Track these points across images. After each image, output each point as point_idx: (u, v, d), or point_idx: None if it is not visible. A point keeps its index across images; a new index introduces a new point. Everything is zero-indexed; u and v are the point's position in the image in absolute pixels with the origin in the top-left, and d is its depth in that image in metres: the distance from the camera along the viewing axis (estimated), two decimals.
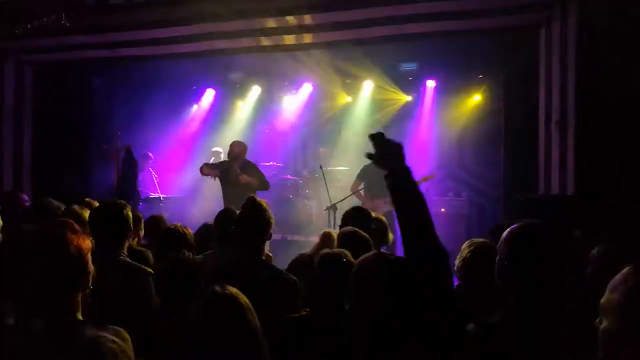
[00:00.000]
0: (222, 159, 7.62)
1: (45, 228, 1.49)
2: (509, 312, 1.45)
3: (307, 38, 5.86)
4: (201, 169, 6.24)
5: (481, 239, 2.52)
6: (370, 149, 1.71)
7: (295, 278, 2.67)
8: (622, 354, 1.10)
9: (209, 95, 9.18)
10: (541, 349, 1.33)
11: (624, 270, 1.15)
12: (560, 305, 1.38)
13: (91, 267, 1.46)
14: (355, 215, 3.43)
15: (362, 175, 6.66)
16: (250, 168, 6.12)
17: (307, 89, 8.81)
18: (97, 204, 3.35)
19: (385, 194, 6.40)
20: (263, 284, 2.44)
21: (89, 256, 1.46)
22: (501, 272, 1.50)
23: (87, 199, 3.77)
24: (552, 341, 1.33)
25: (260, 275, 2.55)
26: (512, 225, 1.56)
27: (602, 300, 1.16)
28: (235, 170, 5.95)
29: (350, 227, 3.02)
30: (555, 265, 1.44)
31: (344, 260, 2.21)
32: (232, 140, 6.36)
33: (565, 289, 1.37)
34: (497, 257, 1.53)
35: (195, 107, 9.28)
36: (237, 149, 6.11)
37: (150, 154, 8.02)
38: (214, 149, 8.40)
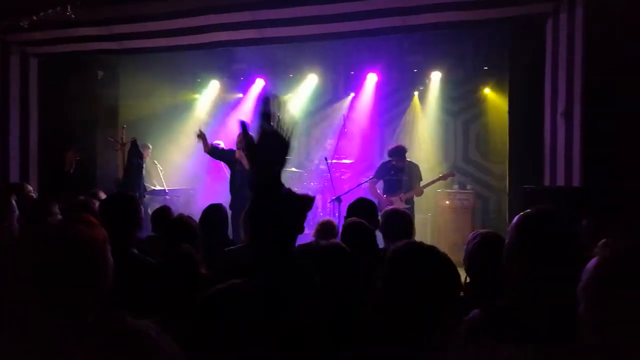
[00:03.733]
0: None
1: (61, 224, 1.48)
2: (515, 297, 1.45)
3: (312, 29, 5.84)
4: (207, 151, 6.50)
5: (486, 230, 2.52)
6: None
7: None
8: (588, 337, 1.12)
9: (214, 86, 9.18)
10: (546, 334, 1.33)
11: (596, 257, 1.16)
12: (566, 291, 1.38)
13: (110, 259, 1.44)
14: (360, 207, 3.41)
15: (380, 174, 6.80)
16: None
17: (311, 80, 8.79)
18: (103, 196, 3.38)
19: (400, 191, 6.54)
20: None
21: (107, 247, 1.44)
22: (509, 257, 1.50)
23: (92, 191, 3.79)
24: (557, 326, 1.33)
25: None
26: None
27: (578, 286, 1.18)
28: (240, 154, 6.13)
29: (354, 218, 3.01)
30: (563, 251, 1.44)
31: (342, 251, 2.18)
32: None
33: (572, 275, 1.37)
34: (506, 242, 1.53)
35: (197, 97, 9.27)
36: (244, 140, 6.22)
37: (149, 144, 8.02)
38: (215, 142, 8.41)
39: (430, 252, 1.44)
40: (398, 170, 6.68)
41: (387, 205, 6.45)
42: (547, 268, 1.45)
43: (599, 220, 2.44)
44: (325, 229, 3.70)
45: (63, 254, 1.33)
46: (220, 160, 6.77)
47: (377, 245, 3.03)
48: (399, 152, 6.70)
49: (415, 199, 6.79)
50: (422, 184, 6.80)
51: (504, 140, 6.26)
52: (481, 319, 1.43)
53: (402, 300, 1.37)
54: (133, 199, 2.75)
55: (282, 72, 8.70)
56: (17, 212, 2.76)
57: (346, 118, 8.23)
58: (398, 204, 6.49)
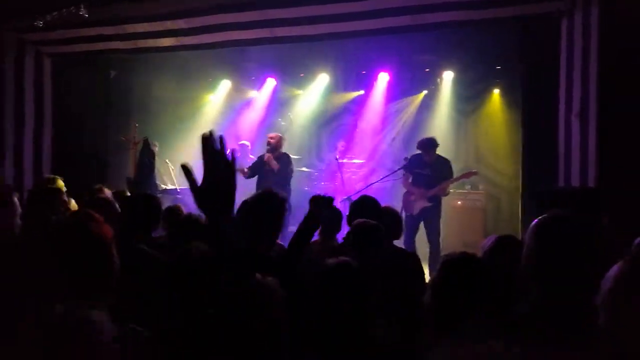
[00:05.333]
0: (247, 152, 8.00)
1: (68, 218, 1.50)
2: (535, 303, 1.43)
3: (322, 28, 5.82)
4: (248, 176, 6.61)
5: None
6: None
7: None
8: (608, 346, 1.08)
9: (225, 86, 9.20)
10: (568, 340, 1.30)
11: (615, 267, 1.13)
12: (587, 297, 1.35)
13: (116, 256, 1.46)
14: (363, 205, 3.34)
15: (408, 166, 6.40)
16: (283, 159, 6.51)
17: (322, 80, 8.78)
18: (107, 192, 3.42)
19: (427, 186, 6.19)
20: None
21: (113, 245, 1.46)
22: (528, 263, 1.47)
23: (97, 186, 3.80)
24: (579, 332, 1.31)
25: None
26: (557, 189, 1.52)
27: (598, 297, 1.14)
28: (269, 156, 6.37)
29: (361, 220, 2.97)
30: (582, 255, 1.41)
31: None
32: (270, 132, 6.84)
33: (592, 279, 1.34)
34: (524, 247, 1.51)
35: (209, 96, 9.31)
36: (273, 141, 6.54)
37: (155, 142, 8.05)
38: (241, 142, 8.42)
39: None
40: (424, 165, 6.25)
41: (406, 201, 6.31)
42: (567, 273, 1.42)
43: (619, 220, 2.40)
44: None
45: (76, 245, 1.35)
46: (258, 174, 6.64)
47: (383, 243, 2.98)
48: (426, 145, 6.24)
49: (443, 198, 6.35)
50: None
51: (516, 141, 6.20)
52: (496, 325, 1.40)
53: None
54: (155, 199, 2.83)
55: (293, 71, 8.70)
56: (19, 209, 2.79)
57: (357, 117, 8.21)
58: (419, 201, 6.25)
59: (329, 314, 1.98)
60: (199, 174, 1.30)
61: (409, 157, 6.50)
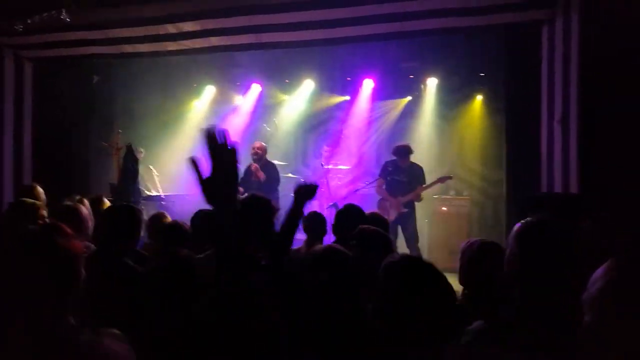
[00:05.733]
0: None
1: (34, 231, 1.47)
2: (518, 308, 1.43)
3: (308, 35, 5.83)
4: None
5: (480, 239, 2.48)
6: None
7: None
8: (598, 349, 1.09)
9: (210, 91, 9.16)
10: (551, 344, 1.31)
11: (606, 264, 1.13)
12: (569, 300, 1.36)
13: (81, 272, 1.43)
14: (349, 214, 3.35)
15: (382, 173, 6.60)
16: (268, 168, 6.53)
17: (307, 86, 8.79)
18: (85, 201, 3.36)
19: (402, 192, 6.37)
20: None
21: (80, 259, 1.43)
22: (510, 267, 1.48)
23: (77, 196, 3.74)
24: (562, 336, 1.31)
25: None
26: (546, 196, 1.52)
27: (584, 295, 1.15)
28: (256, 167, 6.40)
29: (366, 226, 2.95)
30: (565, 259, 1.42)
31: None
32: (255, 142, 6.81)
33: (574, 283, 1.34)
34: (507, 252, 1.51)
35: (193, 102, 9.26)
36: (260, 151, 6.58)
37: (141, 149, 7.99)
38: None
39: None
40: (399, 171, 6.43)
41: (382, 207, 6.39)
42: (549, 277, 1.43)
43: (601, 222, 2.42)
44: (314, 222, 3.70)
45: (39, 263, 1.33)
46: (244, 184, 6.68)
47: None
48: (401, 151, 6.43)
49: (417, 203, 6.54)
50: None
51: (500, 147, 6.26)
52: (485, 330, 1.40)
53: None
54: (136, 211, 2.76)
55: (278, 77, 8.69)
56: None
57: (342, 123, 8.23)
58: (395, 206, 6.40)
59: (322, 305, 1.96)
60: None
61: (384, 163, 6.63)
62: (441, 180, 6.71)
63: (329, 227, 3.65)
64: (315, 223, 3.71)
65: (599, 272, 1.11)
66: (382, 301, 1.37)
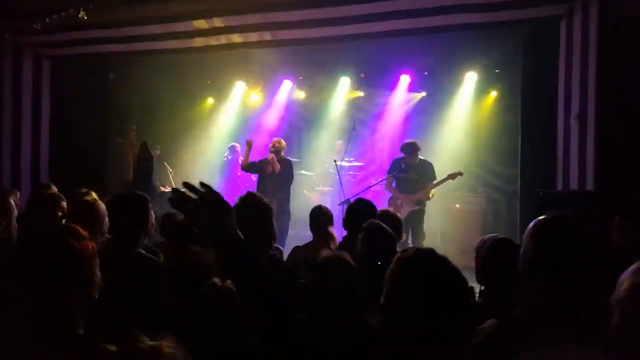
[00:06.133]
0: (237, 154, 8.03)
1: (47, 233, 1.47)
2: (531, 306, 1.41)
3: (326, 31, 5.84)
4: (244, 168, 6.78)
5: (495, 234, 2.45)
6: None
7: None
8: (626, 349, 1.07)
9: (235, 89, 9.11)
10: (564, 345, 1.29)
11: (633, 266, 1.11)
12: (585, 299, 1.34)
13: (97, 274, 1.42)
14: (358, 211, 3.32)
15: (391, 170, 6.50)
16: (284, 164, 6.55)
17: (342, 83, 8.66)
18: (94, 195, 3.37)
19: (413, 189, 6.31)
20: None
21: (94, 262, 1.43)
22: (525, 264, 1.46)
23: (84, 190, 3.74)
24: (576, 336, 1.29)
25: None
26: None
27: (612, 296, 1.13)
28: (273, 157, 6.43)
29: (374, 221, 2.94)
30: (581, 257, 1.40)
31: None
32: (273, 138, 6.90)
33: (591, 282, 1.33)
34: (521, 250, 1.50)
35: (209, 99, 9.29)
36: (278, 143, 6.63)
37: (157, 146, 8.04)
38: (231, 144, 8.43)
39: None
40: (408, 168, 6.32)
41: (393, 205, 6.34)
42: (564, 275, 1.41)
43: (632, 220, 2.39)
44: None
45: (51, 266, 1.33)
46: (255, 173, 6.78)
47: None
48: (409, 148, 6.32)
49: (435, 200, 6.43)
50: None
51: (515, 144, 6.19)
52: (498, 329, 1.39)
53: None
54: (141, 199, 2.71)
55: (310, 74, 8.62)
56: (16, 212, 2.77)
57: (357, 120, 8.20)
58: (406, 204, 6.34)
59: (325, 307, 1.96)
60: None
61: (392, 160, 6.61)
62: (451, 176, 6.56)
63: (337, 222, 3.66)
64: (319, 217, 3.72)
65: (627, 272, 1.09)
66: (394, 296, 1.35)
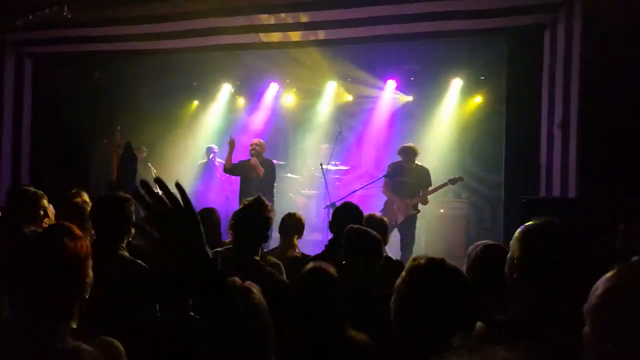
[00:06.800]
0: (214, 156, 8.04)
1: (43, 232, 1.46)
2: (519, 310, 1.42)
3: (314, 35, 5.85)
4: (227, 170, 6.62)
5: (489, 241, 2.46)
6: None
7: (287, 282, 2.65)
8: (592, 355, 1.06)
9: (222, 90, 9.07)
10: (551, 350, 1.30)
11: (608, 274, 1.10)
12: (571, 304, 1.35)
13: (89, 274, 1.41)
14: (345, 214, 3.31)
15: (387, 173, 6.41)
16: (266, 165, 6.44)
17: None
18: (85, 196, 3.32)
19: (409, 194, 6.24)
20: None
21: (88, 262, 1.41)
22: (511, 269, 1.47)
23: (74, 190, 3.69)
24: (562, 342, 1.30)
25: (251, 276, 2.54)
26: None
27: (585, 305, 1.12)
28: (255, 161, 6.31)
29: (356, 225, 2.94)
30: (567, 263, 1.41)
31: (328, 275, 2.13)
32: (253, 139, 6.71)
33: (577, 287, 1.33)
34: (508, 255, 1.51)
35: (195, 101, 9.24)
36: (258, 147, 6.47)
37: (144, 147, 7.97)
38: (209, 145, 8.40)
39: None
40: (404, 172, 6.26)
41: (388, 209, 6.30)
42: (550, 281, 1.42)
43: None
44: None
45: (45, 266, 1.31)
46: (239, 175, 6.60)
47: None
48: (408, 152, 6.25)
49: (420, 206, 6.37)
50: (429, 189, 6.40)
51: (499, 150, 6.25)
52: (484, 333, 1.39)
53: None
54: (124, 201, 2.66)
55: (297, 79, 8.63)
56: None
57: (343, 124, 8.22)
58: (403, 209, 6.27)
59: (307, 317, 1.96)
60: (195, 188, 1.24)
61: (389, 164, 6.55)
62: (452, 181, 6.58)
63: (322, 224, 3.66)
64: (290, 224, 3.72)
65: (601, 279, 1.09)
66: (405, 305, 1.34)
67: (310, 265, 2.18)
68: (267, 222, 2.75)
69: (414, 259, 1.42)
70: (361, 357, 1.97)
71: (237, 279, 1.65)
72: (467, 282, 1.34)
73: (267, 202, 2.79)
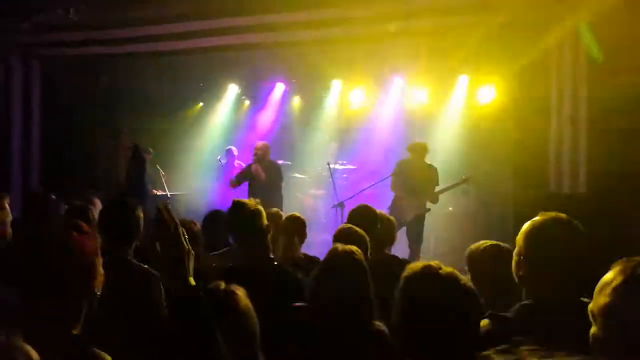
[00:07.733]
0: (233, 158, 8.04)
1: (51, 230, 1.45)
2: (524, 306, 1.41)
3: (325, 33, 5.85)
4: (231, 185, 6.67)
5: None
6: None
7: (298, 276, 2.66)
8: (599, 355, 1.04)
9: (227, 91, 9.07)
10: (558, 347, 1.28)
11: (612, 271, 1.07)
12: (578, 301, 1.33)
13: (100, 271, 1.40)
14: (362, 214, 3.33)
15: (398, 171, 6.27)
16: (271, 168, 6.40)
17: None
18: (97, 201, 3.35)
19: (419, 192, 6.14)
20: (269, 282, 2.43)
21: (97, 260, 1.41)
22: (518, 266, 1.46)
23: (88, 197, 3.75)
24: (570, 339, 1.29)
25: (266, 273, 2.54)
26: None
27: (590, 305, 1.09)
28: (256, 167, 6.28)
29: (347, 225, 2.94)
30: (576, 259, 1.39)
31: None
32: (257, 142, 6.70)
33: (584, 285, 1.32)
34: (515, 251, 1.49)
35: (200, 104, 9.28)
36: (260, 150, 6.42)
37: (150, 149, 8.01)
38: (228, 147, 8.39)
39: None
40: (414, 170, 6.14)
41: (397, 207, 6.20)
42: (558, 277, 1.41)
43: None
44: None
45: (55, 262, 1.30)
46: (245, 181, 6.60)
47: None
48: (419, 149, 6.17)
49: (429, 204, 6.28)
50: (437, 189, 6.31)
51: (508, 145, 6.21)
52: (489, 331, 1.38)
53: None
54: (134, 207, 2.68)
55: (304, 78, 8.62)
56: (10, 216, 2.73)
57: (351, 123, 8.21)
58: (413, 207, 6.16)
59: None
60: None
61: (397, 161, 6.48)
62: (466, 180, 6.51)
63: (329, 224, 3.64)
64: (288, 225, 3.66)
65: (604, 279, 1.06)
66: (402, 317, 1.32)
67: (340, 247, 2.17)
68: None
69: (409, 267, 1.39)
70: (380, 347, 1.96)
71: (221, 283, 1.65)
72: (466, 286, 1.31)
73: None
